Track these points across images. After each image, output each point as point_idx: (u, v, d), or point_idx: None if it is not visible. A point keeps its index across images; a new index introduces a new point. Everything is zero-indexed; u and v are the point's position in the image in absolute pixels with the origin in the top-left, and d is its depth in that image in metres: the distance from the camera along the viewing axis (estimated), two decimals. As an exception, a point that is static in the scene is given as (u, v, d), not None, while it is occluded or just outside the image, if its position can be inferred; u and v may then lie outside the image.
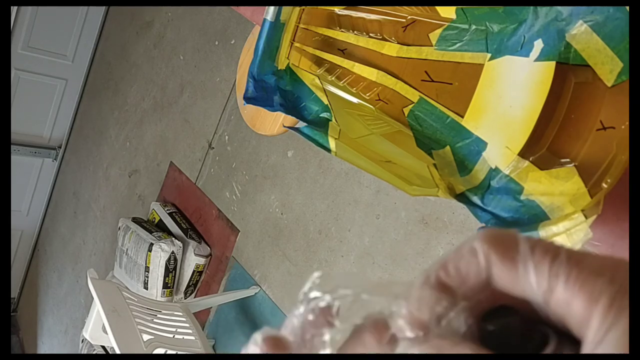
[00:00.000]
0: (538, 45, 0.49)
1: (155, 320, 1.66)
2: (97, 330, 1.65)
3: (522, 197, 0.50)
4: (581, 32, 0.47)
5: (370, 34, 0.63)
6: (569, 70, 0.48)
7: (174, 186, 2.66)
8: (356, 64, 0.64)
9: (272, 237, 2.07)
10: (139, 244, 2.34)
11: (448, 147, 0.57)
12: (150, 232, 2.36)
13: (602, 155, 0.46)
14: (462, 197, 0.54)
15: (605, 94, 0.46)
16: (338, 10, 0.65)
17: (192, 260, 2.29)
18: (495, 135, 0.53)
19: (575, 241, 0.44)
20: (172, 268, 2.27)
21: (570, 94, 0.48)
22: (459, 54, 0.56)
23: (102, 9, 3.42)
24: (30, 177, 3.67)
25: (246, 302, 2.10)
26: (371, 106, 0.63)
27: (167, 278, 2.28)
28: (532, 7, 0.50)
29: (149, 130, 2.92)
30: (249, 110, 1.20)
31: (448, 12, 0.56)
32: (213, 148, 2.45)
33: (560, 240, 0.45)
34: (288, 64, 0.69)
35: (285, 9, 0.66)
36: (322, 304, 0.21)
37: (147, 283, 2.32)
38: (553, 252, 0.19)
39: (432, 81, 0.58)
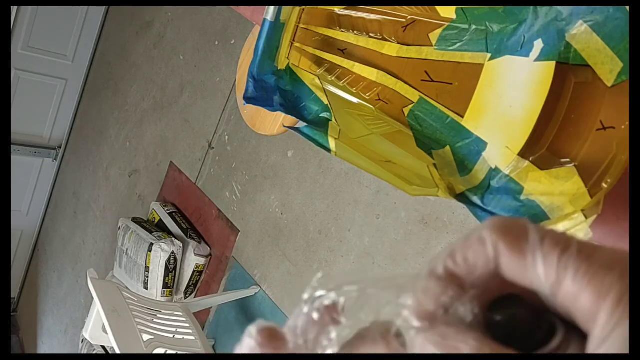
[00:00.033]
0: (538, 45, 0.49)
1: (155, 320, 1.66)
2: (97, 330, 1.65)
3: (522, 197, 0.50)
4: (581, 32, 0.47)
5: (370, 34, 0.63)
6: (569, 70, 0.48)
7: (174, 186, 2.66)
8: (356, 64, 0.64)
9: (272, 237, 2.07)
10: (139, 244, 2.34)
11: (448, 147, 0.57)
12: (150, 232, 2.36)
13: (602, 155, 0.46)
14: (462, 197, 0.54)
15: (605, 94, 0.46)
16: (338, 10, 0.65)
17: (192, 260, 2.29)
18: (495, 135, 0.53)
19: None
20: (172, 268, 2.27)
21: (570, 94, 0.48)
22: (459, 54, 0.56)
23: (102, 9, 3.42)
24: (30, 177, 3.67)
25: (246, 302, 2.10)
26: (371, 106, 0.63)
27: (167, 278, 2.28)
28: (532, 7, 0.50)
29: (149, 130, 2.92)
30: (249, 110, 1.20)
31: (448, 12, 0.56)
32: (213, 148, 2.45)
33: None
34: (288, 64, 0.69)
35: (285, 9, 0.66)
36: (327, 302, 0.21)
37: (147, 283, 2.32)
38: (564, 244, 0.18)
39: (432, 81, 0.58)
